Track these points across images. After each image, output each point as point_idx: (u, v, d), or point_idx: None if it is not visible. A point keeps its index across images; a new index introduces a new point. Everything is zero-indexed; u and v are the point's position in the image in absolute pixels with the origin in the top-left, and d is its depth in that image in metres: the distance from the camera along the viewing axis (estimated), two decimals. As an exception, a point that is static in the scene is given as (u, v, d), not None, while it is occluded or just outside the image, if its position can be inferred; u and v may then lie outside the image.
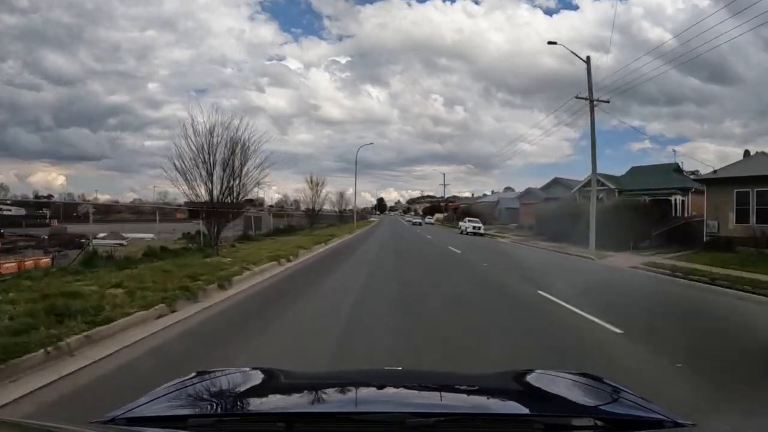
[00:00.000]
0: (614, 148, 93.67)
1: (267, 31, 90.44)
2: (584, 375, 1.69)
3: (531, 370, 1.70)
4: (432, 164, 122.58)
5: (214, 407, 1.29)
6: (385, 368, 1.99)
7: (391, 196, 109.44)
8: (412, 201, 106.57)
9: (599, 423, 1.18)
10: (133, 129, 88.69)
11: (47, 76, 68.34)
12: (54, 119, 68.98)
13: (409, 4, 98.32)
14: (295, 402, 1.39)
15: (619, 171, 35.41)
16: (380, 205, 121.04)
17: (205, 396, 1.38)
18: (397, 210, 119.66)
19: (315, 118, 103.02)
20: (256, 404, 1.36)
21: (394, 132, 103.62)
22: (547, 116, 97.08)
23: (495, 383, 1.64)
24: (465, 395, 1.48)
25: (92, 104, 70.18)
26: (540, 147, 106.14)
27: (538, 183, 55.12)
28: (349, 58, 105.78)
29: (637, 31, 72.52)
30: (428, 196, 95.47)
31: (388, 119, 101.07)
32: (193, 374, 1.58)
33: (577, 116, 44.67)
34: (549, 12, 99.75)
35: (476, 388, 1.55)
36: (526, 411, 1.33)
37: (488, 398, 1.46)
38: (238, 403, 1.34)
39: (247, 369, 1.67)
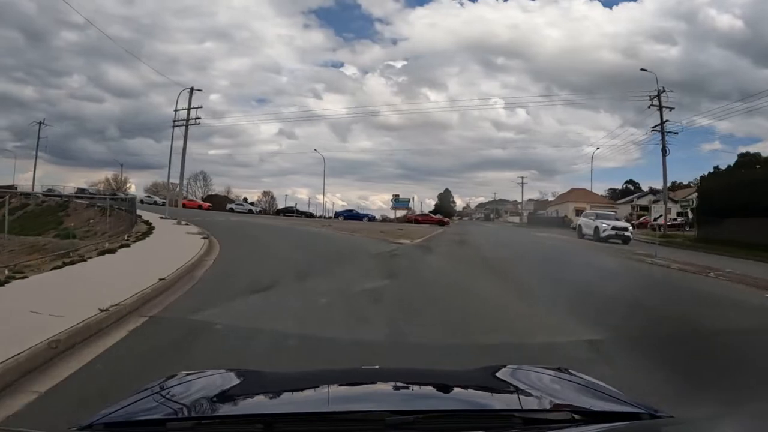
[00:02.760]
0: (682, 151, 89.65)
1: (319, 37, 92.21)
2: (560, 369, 1.71)
3: (507, 366, 1.71)
4: (494, 170, 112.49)
5: (192, 410, 1.29)
6: (363, 367, 2.02)
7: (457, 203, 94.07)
8: (480, 206, 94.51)
9: (576, 416, 1.22)
10: (196, 138, 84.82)
11: (110, 89, 78.70)
12: (119, 130, 72.72)
13: (462, 4, 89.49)
14: (274, 402, 1.41)
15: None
16: (443, 204, 78.72)
17: (182, 399, 1.38)
18: (469, 215, 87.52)
19: (373, 125, 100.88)
20: (234, 406, 1.35)
21: (454, 138, 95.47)
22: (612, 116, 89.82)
23: (472, 379, 1.67)
24: (443, 392, 1.51)
25: (155, 115, 74.94)
26: (606, 150, 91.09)
27: (604, 188, 50.09)
28: (405, 62, 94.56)
29: (704, 19, 69.37)
30: (501, 200, 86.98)
31: (447, 124, 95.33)
32: (169, 377, 1.59)
33: (645, 116, 38.75)
34: (607, 4, 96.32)
35: (454, 384, 1.58)
36: (504, 406, 1.36)
37: (466, 394, 1.52)
38: (217, 406, 1.32)
39: (225, 370, 1.67)
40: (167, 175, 28.91)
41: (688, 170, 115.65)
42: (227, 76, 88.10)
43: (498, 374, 1.61)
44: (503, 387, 1.51)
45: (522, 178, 69.72)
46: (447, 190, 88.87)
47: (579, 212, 54.32)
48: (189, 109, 25.86)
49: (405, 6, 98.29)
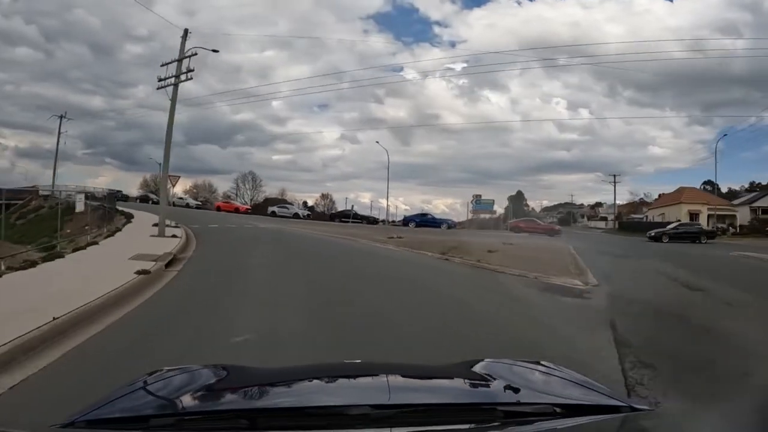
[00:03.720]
0: (753, 150, 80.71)
1: (378, 42, 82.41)
2: (540, 363, 1.69)
3: (487, 359, 1.68)
4: (558, 173, 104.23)
5: (176, 406, 1.26)
6: (345, 361, 1.99)
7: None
8: (546, 209, 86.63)
9: (557, 409, 1.20)
10: (260, 144, 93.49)
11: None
12: (184, 137, 71.15)
13: (519, 3, 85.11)
14: (258, 397, 1.37)
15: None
16: (515, 208, 56.48)
17: (165, 395, 1.34)
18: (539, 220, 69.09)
19: (435, 128, 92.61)
20: (218, 401, 1.33)
21: (517, 140, 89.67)
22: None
23: (454, 373, 1.63)
24: (425, 386, 1.51)
25: (219, 122, 73.72)
26: (671, 150, 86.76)
27: (670, 190, 52.07)
28: (464, 64, 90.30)
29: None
30: (567, 203, 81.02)
31: (510, 126, 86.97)
32: (152, 373, 1.53)
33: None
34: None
35: (436, 378, 1.59)
36: (485, 399, 1.35)
37: (448, 388, 1.50)
38: (200, 401, 1.31)
39: (208, 366, 1.61)
40: (165, 169, 19.40)
41: (757, 171, 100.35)
42: (289, 82, 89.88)
43: (479, 368, 1.58)
44: (484, 380, 1.49)
45: (614, 176, 59.00)
46: (519, 193, 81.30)
47: (693, 215, 46.25)
48: (180, 60, 16.03)
49: (462, 8, 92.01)
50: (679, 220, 40.98)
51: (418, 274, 10.43)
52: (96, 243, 12.56)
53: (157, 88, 16.46)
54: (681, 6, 75.97)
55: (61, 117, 38.86)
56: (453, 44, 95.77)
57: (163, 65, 16.34)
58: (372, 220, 36.02)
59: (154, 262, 9.57)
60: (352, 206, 39.51)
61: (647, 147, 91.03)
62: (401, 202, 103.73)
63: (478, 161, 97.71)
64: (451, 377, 1.58)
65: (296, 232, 20.78)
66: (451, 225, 35.17)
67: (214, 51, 20.05)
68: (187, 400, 1.28)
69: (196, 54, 16.02)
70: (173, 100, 16.07)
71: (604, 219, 67.14)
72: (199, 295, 7.17)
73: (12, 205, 38.13)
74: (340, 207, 48.20)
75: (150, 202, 42.11)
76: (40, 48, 70.06)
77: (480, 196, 55.37)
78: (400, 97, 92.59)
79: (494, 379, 1.47)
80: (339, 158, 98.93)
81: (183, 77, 16.01)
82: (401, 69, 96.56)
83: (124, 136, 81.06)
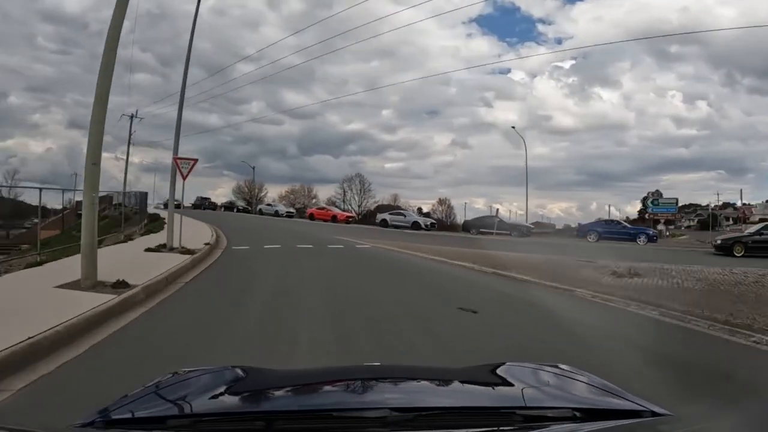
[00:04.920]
0: None
1: (483, 45, 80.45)
2: (559, 366, 1.60)
3: (507, 363, 1.60)
4: (678, 172, 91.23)
5: (193, 407, 1.22)
6: (365, 364, 1.94)
7: (636, 209, 78.30)
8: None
9: (577, 413, 1.17)
10: (372, 153, 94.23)
11: (287, 111, 78.98)
12: (298, 148, 79.77)
13: None
14: (275, 400, 1.33)
15: None
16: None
17: (183, 396, 1.31)
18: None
19: (547, 130, 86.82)
20: (235, 403, 1.30)
21: (633, 138, 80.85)
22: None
23: (473, 376, 1.57)
24: (444, 389, 1.46)
25: (331, 133, 76.85)
26: None
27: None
28: (573, 61, 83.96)
29: None
30: (691, 204, 74.97)
31: (624, 124, 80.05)
32: (171, 374, 1.51)
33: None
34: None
35: (455, 382, 1.52)
36: (505, 403, 1.29)
37: (467, 391, 1.45)
38: (218, 402, 1.26)
39: (226, 367, 1.57)
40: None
41: None
42: (397, 91, 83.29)
43: (498, 371, 1.52)
44: (504, 384, 1.44)
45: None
46: (657, 192, 72.92)
47: None
48: None
49: (565, 2, 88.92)
50: None
51: None
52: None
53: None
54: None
55: (131, 116, 33.51)
56: (559, 41, 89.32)
57: None
58: (525, 231, 24.42)
59: None
60: (497, 211, 27.88)
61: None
62: (516, 207, 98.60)
63: (593, 162, 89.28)
64: (470, 380, 1.51)
65: (425, 266, 10.49)
66: (653, 237, 22.58)
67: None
68: (204, 402, 1.25)
69: None
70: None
71: (765, 221, 54.49)
72: None
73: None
74: (459, 214, 40.50)
75: (235, 209, 36.14)
76: (157, 72, 76.41)
77: (657, 192, 40.98)
78: (510, 99, 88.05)
79: (515, 382, 1.43)
80: (451, 164, 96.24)
81: None
82: (508, 71, 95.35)
83: (240, 150, 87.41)
